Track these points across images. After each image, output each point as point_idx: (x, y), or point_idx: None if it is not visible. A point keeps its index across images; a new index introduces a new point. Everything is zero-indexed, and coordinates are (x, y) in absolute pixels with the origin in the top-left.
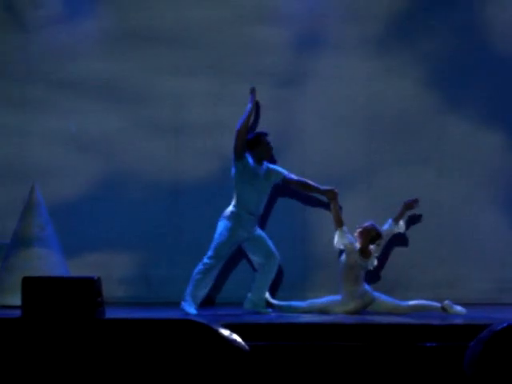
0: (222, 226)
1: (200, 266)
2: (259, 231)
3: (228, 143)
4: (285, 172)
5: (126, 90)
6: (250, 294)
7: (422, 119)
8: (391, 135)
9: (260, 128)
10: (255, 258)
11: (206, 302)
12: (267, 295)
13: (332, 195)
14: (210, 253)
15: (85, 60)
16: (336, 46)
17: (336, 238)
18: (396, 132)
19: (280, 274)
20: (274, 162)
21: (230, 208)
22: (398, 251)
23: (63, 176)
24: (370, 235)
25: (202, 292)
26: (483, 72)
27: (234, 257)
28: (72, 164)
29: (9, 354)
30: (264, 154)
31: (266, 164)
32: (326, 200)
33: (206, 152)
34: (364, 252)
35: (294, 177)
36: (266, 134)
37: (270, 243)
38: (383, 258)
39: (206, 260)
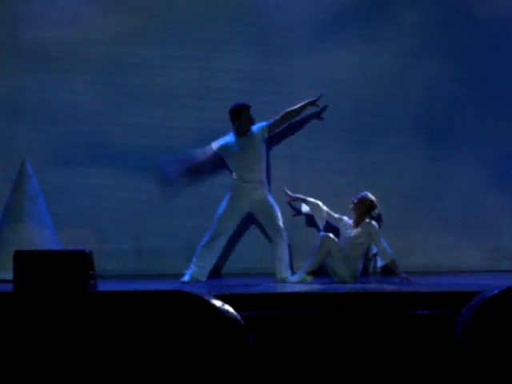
0: (225, 197)
1: (204, 237)
2: (270, 204)
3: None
4: (265, 123)
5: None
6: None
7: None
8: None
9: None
10: (267, 231)
11: (213, 273)
12: (286, 274)
13: (313, 103)
14: (212, 224)
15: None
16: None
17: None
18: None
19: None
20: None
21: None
22: (393, 218)
23: (51, 150)
24: (365, 205)
25: (207, 263)
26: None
27: (240, 227)
28: (63, 137)
29: (1, 328)
30: (245, 127)
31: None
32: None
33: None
34: (357, 223)
35: (275, 118)
36: (248, 107)
37: (278, 220)
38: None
39: (209, 231)
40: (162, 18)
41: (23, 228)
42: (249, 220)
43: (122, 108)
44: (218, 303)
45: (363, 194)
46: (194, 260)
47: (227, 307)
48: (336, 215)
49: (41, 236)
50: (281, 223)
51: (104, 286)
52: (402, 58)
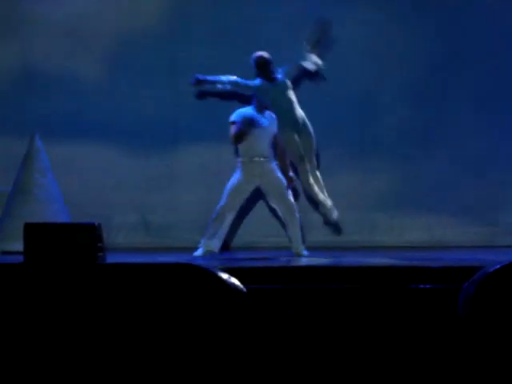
0: (235, 172)
1: (214, 211)
2: (279, 178)
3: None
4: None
5: None
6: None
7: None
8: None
9: None
10: (277, 208)
11: (222, 248)
12: (300, 249)
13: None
14: (222, 198)
15: None
16: None
17: None
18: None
19: None
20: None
21: None
22: (392, 193)
23: (60, 124)
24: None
25: (219, 234)
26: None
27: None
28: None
29: (11, 300)
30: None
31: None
32: None
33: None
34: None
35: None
36: None
37: (288, 199)
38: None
39: (217, 207)
40: None
41: (33, 200)
42: (259, 193)
43: (130, 85)
44: (224, 276)
45: None
46: (205, 235)
47: (233, 280)
48: None
49: (50, 209)
50: (291, 198)
51: (112, 258)
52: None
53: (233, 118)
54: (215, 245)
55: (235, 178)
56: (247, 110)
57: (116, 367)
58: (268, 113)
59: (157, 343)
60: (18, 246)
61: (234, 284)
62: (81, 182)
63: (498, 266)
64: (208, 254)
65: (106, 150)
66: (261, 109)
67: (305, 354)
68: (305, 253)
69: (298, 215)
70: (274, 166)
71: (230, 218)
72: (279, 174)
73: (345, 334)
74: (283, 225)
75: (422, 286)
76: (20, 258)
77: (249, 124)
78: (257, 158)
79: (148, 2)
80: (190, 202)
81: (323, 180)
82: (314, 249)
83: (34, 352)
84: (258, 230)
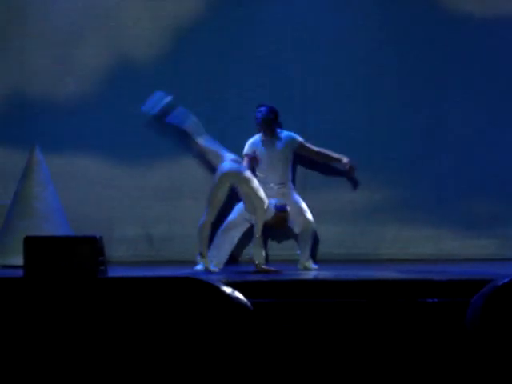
0: None
1: (221, 226)
2: (294, 199)
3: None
4: (300, 138)
5: None
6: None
7: None
8: None
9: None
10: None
11: (230, 261)
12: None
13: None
14: (231, 213)
15: None
16: None
17: None
18: None
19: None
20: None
21: None
22: (398, 206)
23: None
24: None
25: (222, 252)
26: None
27: None
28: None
29: (11, 315)
30: (275, 129)
31: (280, 133)
32: None
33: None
34: None
35: (312, 146)
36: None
37: (305, 212)
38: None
39: (226, 220)
40: None
41: (33, 213)
42: None
43: (132, 96)
44: (227, 290)
45: None
46: (210, 249)
47: (237, 294)
48: None
49: (51, 221)
50: (308, 215)
51: (114, 272)
52: None
53: (245, 150)
54: (217, 264)
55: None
56: (255, 139)
57: (118, 381)
58: (283, 134)
59: (158, 358)
60: (18, 259)
61: (237, 298)
62: (82, 194)
63: (507, 280)
64: (212, 268)
65: (108, 162)
66: (271, 134)
67: (311, 368)
68: (313, 266)
69: (313, 232)
70: (291, 190)
71: (236, 234)
72: (295, 196)
73: (352, 348)
74: (296, 238)
75: (429, 299)
76: (20, 272)
77: (256, 152)
78: (272, 185)
79: (149, 20)
80: (192, 214)
81: (328, 193)
82: (319, 262)
83: (35, 366)
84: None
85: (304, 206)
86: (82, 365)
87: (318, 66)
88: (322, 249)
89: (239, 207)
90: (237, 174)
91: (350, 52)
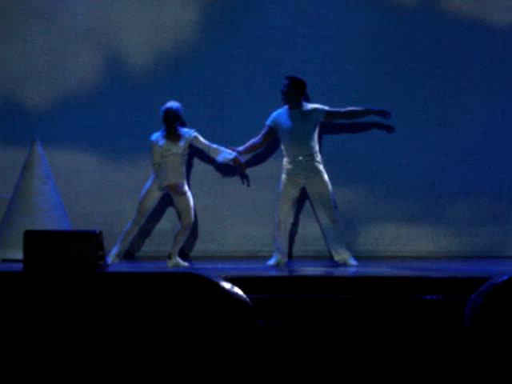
0: (279, 179)
1: (274, 221)
2: (324, 181)
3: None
4: (326, 107)
5: None
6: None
7: None
8: None
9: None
10: (316, 210)
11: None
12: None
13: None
14: (276, 207)
15: None
16: None
17: None
18: None
19: None
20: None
21: None
22: (397, 204)
23: (62, 132)
24: None
25: (283, 244)
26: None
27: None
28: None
29: (11, 308)
30: (301, 101)
31: (305, 106)
32: None
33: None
34: None
35: (339, 109)
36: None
37: (327, 206)
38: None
39: (276, 213)
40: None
41: (33, 207)
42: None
43: (133, 92)
44: (226, 285)
45: None
46: (275, 244)
47: (236, 289)
48: None
49: (51, 216)
50: (333, 202)
51: (113, 266)
52: None
53: (268, 122)
54: (284, 257)
55: (280, 185)
56: (280, 111)
57: (116, 376)
58: (308, 107)
59: (158, 352)
60: (18, 253)
61: (236, 293)
62: (82, 188)
63: (506, 277)
64: (281, 265)
65: (108, 157)
66: (296, 106)
67: (309, 364)
68: (353, 262)
69: (340, 223)
70: (320, 165)
71: (288, 224)
72: (325, 178)
73: (350, 344)
74: (323, 233)
75: (427, 296)
76: (20, 266)
77: (277, 124)
78: (300, 158)
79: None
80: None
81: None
82: (319, 260)
83: (34, 359)
84: (260, 238)
85: (331, 189)
86: (81, 358)
87: (317, 70)
88: (323, 246)
89: (278, 200)
90: None
91: (351, 53)
